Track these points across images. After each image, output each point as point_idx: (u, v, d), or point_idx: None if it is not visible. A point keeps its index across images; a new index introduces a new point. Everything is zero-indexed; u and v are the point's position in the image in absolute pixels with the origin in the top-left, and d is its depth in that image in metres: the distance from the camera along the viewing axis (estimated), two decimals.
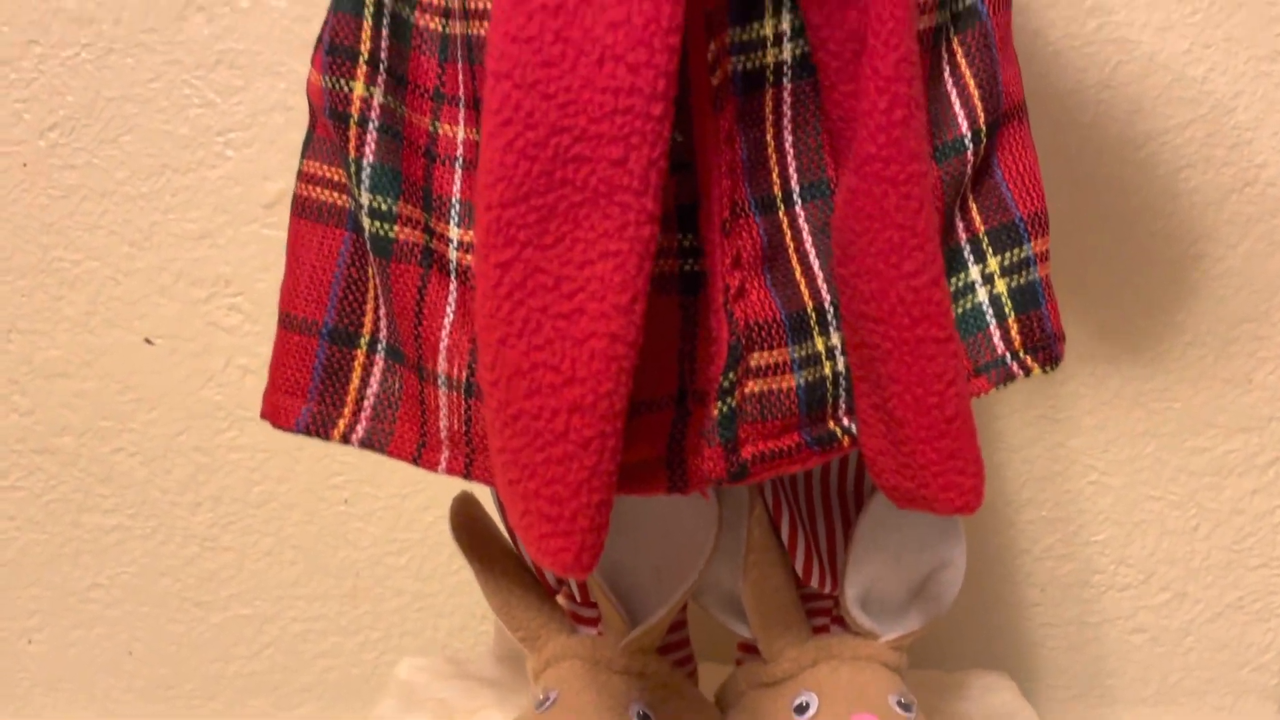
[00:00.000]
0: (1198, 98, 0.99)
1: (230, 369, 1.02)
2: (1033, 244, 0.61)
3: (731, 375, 0.55)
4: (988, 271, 0.61)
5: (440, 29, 0.58)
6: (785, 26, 0.55)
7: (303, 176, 0.62)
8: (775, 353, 0.56)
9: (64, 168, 0.99)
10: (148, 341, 1.02)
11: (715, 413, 0.55)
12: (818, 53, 0.54)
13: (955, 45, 0.60)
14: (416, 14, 0.58)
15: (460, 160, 0.58)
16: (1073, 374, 1.04)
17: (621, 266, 0.47)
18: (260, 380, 1.02)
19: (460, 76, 0.57)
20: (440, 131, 0.58)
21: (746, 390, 0.55)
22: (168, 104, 0.98)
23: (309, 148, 0.62)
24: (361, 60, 0.58)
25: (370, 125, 0.58)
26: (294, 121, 0.98)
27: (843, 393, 0.58)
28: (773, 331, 0.56)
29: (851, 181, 0.53)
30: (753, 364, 0.55)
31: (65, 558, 1.04)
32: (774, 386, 0.56)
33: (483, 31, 0.54)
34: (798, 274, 0.57)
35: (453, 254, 0.58)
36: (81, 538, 1.04)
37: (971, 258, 0.61)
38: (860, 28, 0.53)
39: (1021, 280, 0.61)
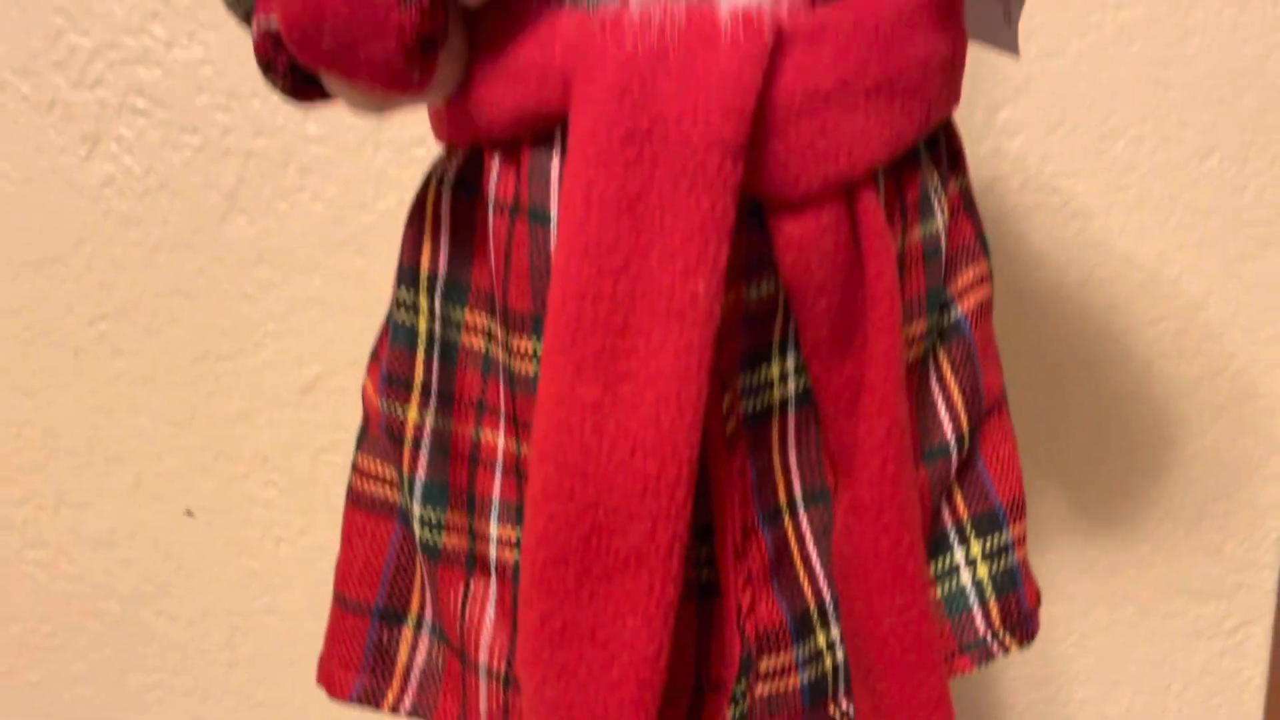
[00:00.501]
0: (1171, 295, 1.06)
1: (266, 539, 1.09)
2: (1011, 529, 0.68)
3: (743, 682, 0.62)
4: (970, 556, 0.68)
5: (484, 349, 0.65)
6: (790, 365, 0.62)
7: (357, 469, 0.69)
8: (782, 656, 0.63)
9: (112, 355, 1.06)
10: (188, 514, 1.09)
11: (729, 715, 0.62)
12: (818, 395, 0.61)
13: (941, 358, 0.67)
14: (463, 335, 0.65)
15: (500, 465, 0.65)
16: (1054, 544, 1.11)
17: (649, 622, 0.54)
18: (293, 549, 1.10)
19: (501, 393, 0.64)
20: (483, 438, 0.65)
21: (756, 694, 0.62)
22: (211, 298, 1.05)
23: (363, 443, 0.69)
24: (415, 389, 0.64)
25: (422, 446, 0.64)
26: (328, 314, 1.05)
27: (841, 680, 0.65)
28: (779, 637, 0.63)
29: (847, 518, 0.60)
30: (762, 669, 0.62)
31: (110, 714, 1.11)
32: (781, 687, 0.63)
33: (524, 369, 0.61)
34: (801, 576, 0.64)
35: (493, 551, 0.64)
36: (125, 695, 1.10)
37: (956, 540, 0.68)
38: (856, 375, 0.60)
39: (1002, 565, 0.68)
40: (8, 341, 1.05)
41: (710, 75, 0.53)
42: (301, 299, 1.05)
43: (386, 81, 0.56)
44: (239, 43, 1.00)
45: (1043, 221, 1.05)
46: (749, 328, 0.60)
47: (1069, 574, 1.11)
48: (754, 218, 0.58)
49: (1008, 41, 0.75)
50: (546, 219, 0.59)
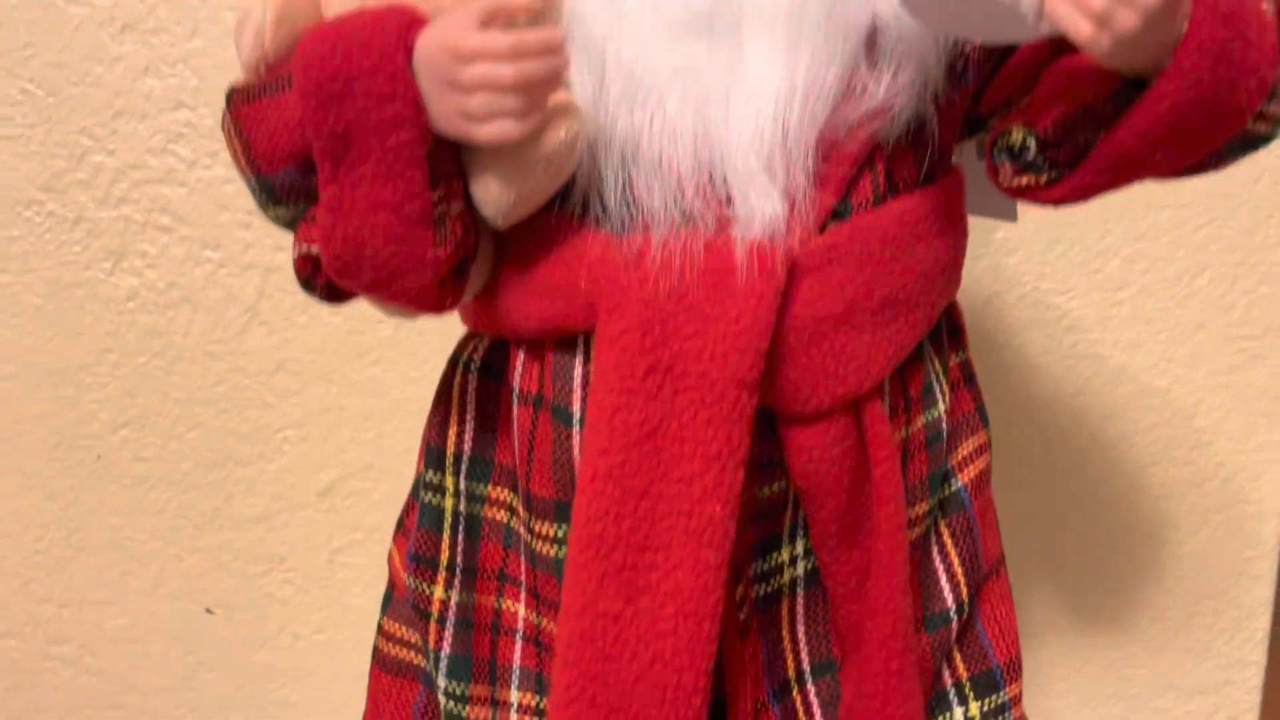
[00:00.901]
0: (1162, 405, 1.10)
1: (283, 635, 1.12)
2: (1008, 689, 0.72)
3: None
4: (970, 715, 0.71)
5: (506, 521, 0.68)
6: (799, 549, 0.65)
7: (382, 633, 0.72)
8: None
9: (134, 460, 1.09)
10: (208, 611, 1.12)
11: None
12: (826, 580, 0.64)
13: (943, 529, 0.70)
14: (486, 508, 0.68)
15: (521, 633, 0.68)
16: (1047, 642, 1.14)
17: None
18: (309, 645, 1.13)
19: (523, 566, 0.67)
20: (504, 607, 0.68)
21: None
22: (230, 405, 1.08)
23: (388, 608, 0.72)
24: (441, 568, 0.68)
25: (448, 622, 0.68)
26: (345, 420, 1.08)
27: None
28: None
29: (854, 692, 0.63)
30: None
31: None
32: None
33: (545, 550, 0.65)
34: None
35: (514, 717, 0.68)
36: None
37: (955, 700, 0.71)
38: (863, 565, 0.64)
39: None
40: (34, 446, 1.08)
41: (727, 316, 0.56)
42: (319, 407, 1.08)
43: (420, 305, 0.59)
44: None
45: (1039, 335, 1.08)
46: (761, 520, 0.64)
47: (1062, 671, 1.14)
48: (766, 422, 0.61)
49: (1006, 211, 0.78)
50: (569, 418, 0.62)
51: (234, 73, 1.01)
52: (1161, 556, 1.13)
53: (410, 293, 0.58)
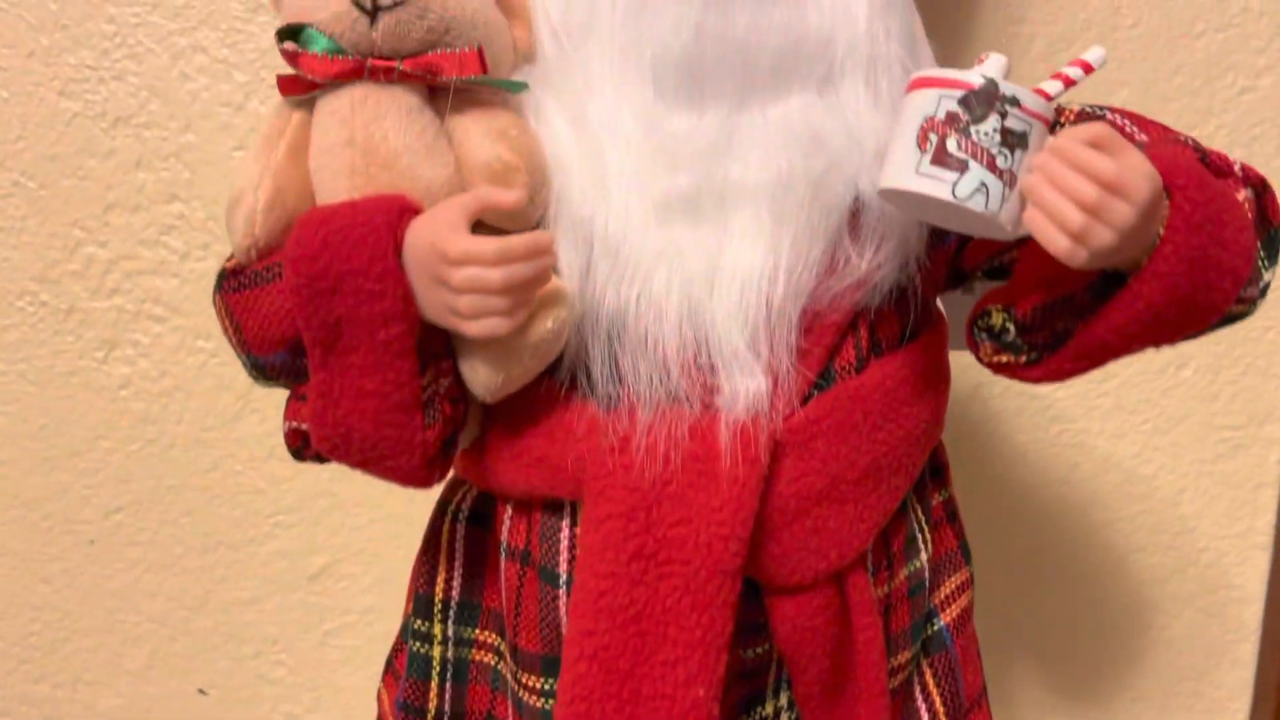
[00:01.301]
0: (1147, 493, 1.11)
1: (275, 715, 1.13)
2: None
3: None
4: None
5: (494, 664, 0.69)
6: (783, 701, 0.66)
7: None
8: None
9: (128, 544, 1.09)
10: (201, 692, 1.13)
11: None
12: None
13: (925, 669, 0.71)
14: (474, 652, 0.69)
15: None
16: None
17: None
18: None
19: (509, 709, 0.68)
20: None
21: None
22: (223, 491, 1.08)
23: None
24: (429, 716, 0.69)
25: None
26: (336, 505, 1.09)
27: None
28: None
29: None
30: None
31: None
32: None
33: (532, 701, 0.65)
34: None
35: None
36: None
37: None
38: (848, 719, 0.65)
39: None
40: (28, 531, 1.09)
41: (710, 505, 0.57)
42: (311, 492, 1.09)
43: (408, 481, 0.60)
44: None
45: (1025, 424, 1.09)
46: (745, 680, 0.65)
47: None
48: (751, 588, 0.62)
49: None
50: (555, 579, 0.63)
51: (226, 167, 1.03)
52: (1145, 639, 1.14)
53: (399, 472, 0.58)
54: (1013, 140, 0.54)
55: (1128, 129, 0.66)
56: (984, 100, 0.54)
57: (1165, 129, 0.67)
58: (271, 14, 0.99)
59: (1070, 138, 0.54)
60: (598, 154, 0.59)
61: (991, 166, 0.53)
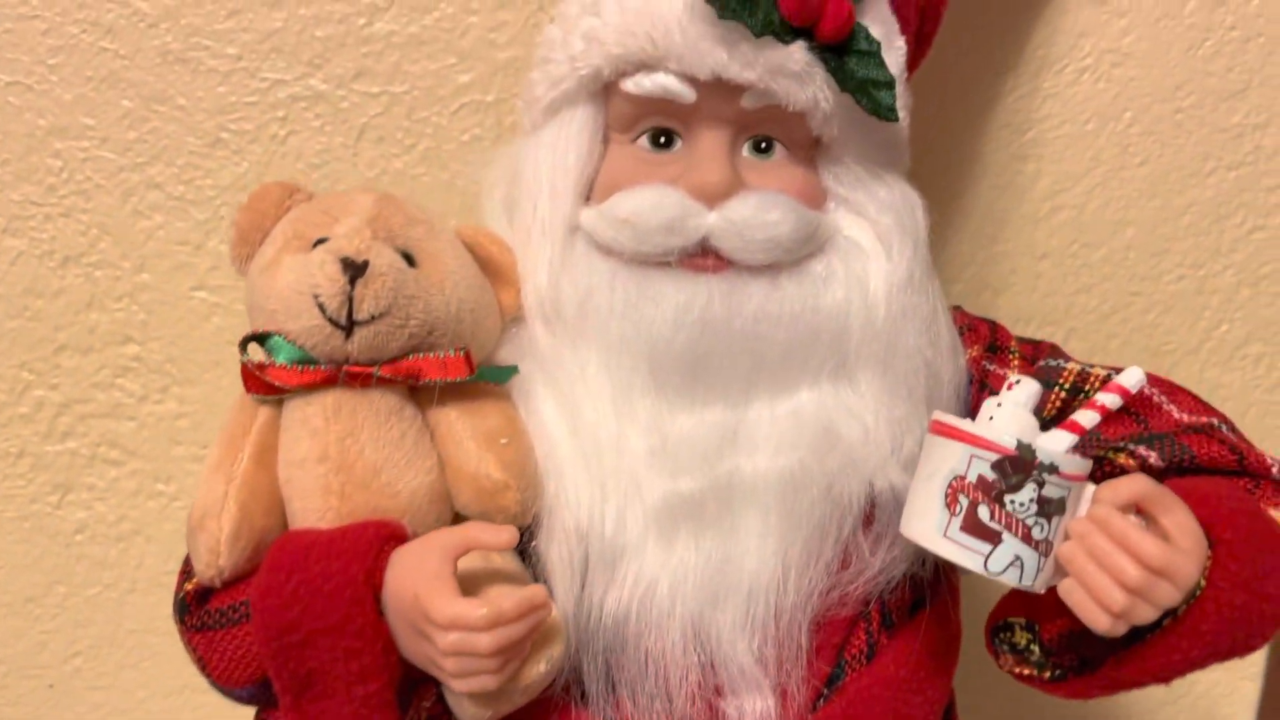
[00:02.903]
0: None
1: None
2: None
3: None
4: None
5: None
6: None
7: None
8: None
9: (88, 688, 1.05)
10: None
11: None
12: None
13: None
14: None
15: None
16: None
17: None
18: None
19: None
20: None
21: None
22: None
23: None
24: None
25: None
26: None
27: None
28: None
29: None
30: None
31: None
32: None
33: None
34: None
35: None
36: None
37: None
38: None
39: None
40: None
41: None
42: None
43: None
44: (214, 396, 0.98)
45: None
46: None
47: None
48: None
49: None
50: None
51: (184, 308, 0.96)
52: None
53: None
54: (1050, 509, 0.50)
55: (1155, 399, 0.62)
56: (1019, 468, 0.50)
57: (1195, 400, 0.64)
58: (233, 148, 0.93)
59: (1112, 503, 0.50)
60: (594, 456, 0.54)
61: (1027, 538, 0.49)
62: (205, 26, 0.90)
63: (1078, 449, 0.53)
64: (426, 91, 0.92)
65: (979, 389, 0.65)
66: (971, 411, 0.63)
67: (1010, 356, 0.67)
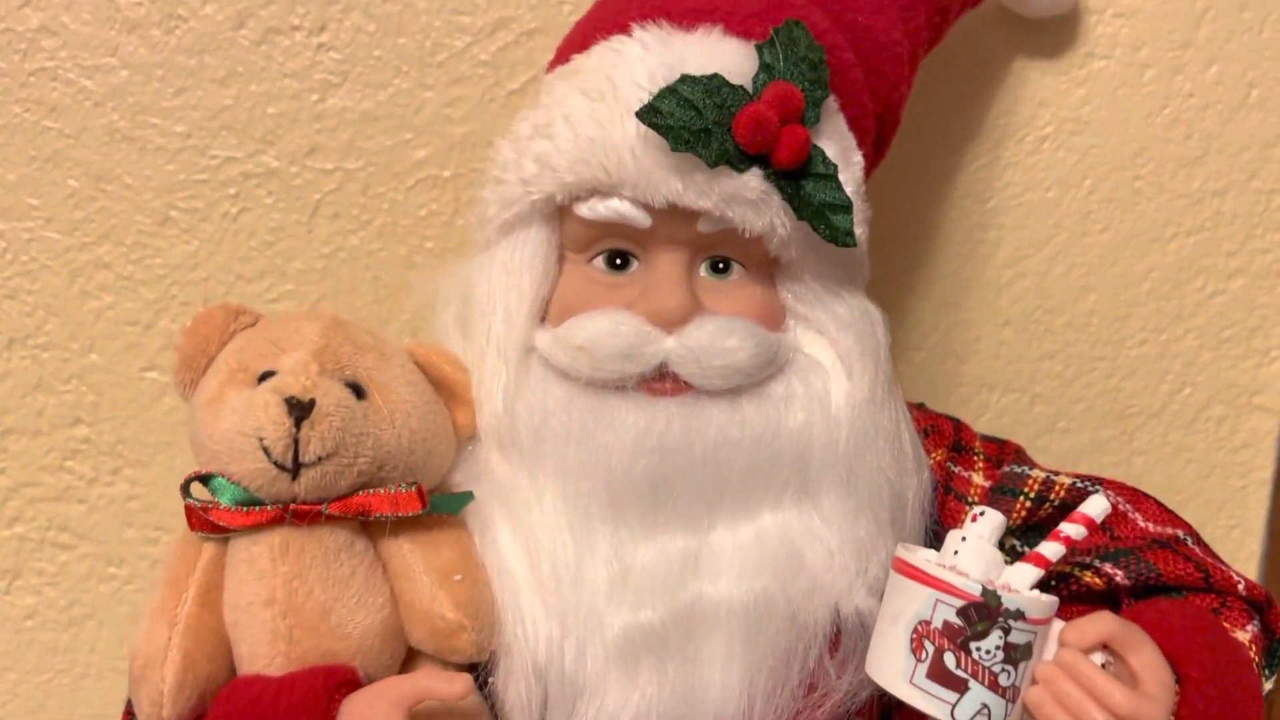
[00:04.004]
0: None
1: None
2: None
3: None
4: None
5: None
6: None
7: None
8: None
9: None
10: None
11: None
12: None
13: None
14: None
15: None
16: None
17: None
18: None
19: None
20: None
21: None
22: None
23: None
24: None
25: None
26: None
27: None
28: None
29: None
30: None
31: None
32: None
33: None
34: None
35: None
36: None
37: None
38: None
39: None
40: None
41: None
42: None
43: None
44: (166, 478, 0.96)
45: None
46: None
47: None
48: None
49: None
50: None
51: (134, 389, 0.94)
52: None
53: None
54: (1016, 655, 0.49)
55: (1121, 507, 0.62)
56: (985, 615, 0.49)
57: (1160, 508, 0.63)
58: (183, 226, 0.91)
59: (1079, 645, 0.49)
60: (552, 588, 0.53)
61: (994, 686, 0.49)
62: (152, 104, 0.88)
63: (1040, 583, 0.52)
64: (382, 167, 0.90)
65: (944, 492, 0.64)
66: (937, 519, 0.62)
67: (975, 458, 0.66)
